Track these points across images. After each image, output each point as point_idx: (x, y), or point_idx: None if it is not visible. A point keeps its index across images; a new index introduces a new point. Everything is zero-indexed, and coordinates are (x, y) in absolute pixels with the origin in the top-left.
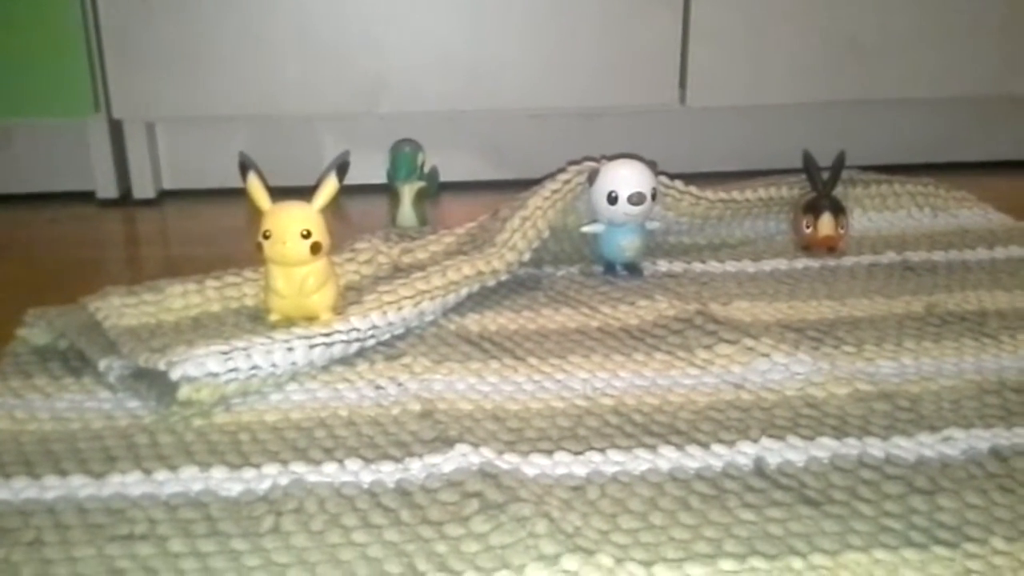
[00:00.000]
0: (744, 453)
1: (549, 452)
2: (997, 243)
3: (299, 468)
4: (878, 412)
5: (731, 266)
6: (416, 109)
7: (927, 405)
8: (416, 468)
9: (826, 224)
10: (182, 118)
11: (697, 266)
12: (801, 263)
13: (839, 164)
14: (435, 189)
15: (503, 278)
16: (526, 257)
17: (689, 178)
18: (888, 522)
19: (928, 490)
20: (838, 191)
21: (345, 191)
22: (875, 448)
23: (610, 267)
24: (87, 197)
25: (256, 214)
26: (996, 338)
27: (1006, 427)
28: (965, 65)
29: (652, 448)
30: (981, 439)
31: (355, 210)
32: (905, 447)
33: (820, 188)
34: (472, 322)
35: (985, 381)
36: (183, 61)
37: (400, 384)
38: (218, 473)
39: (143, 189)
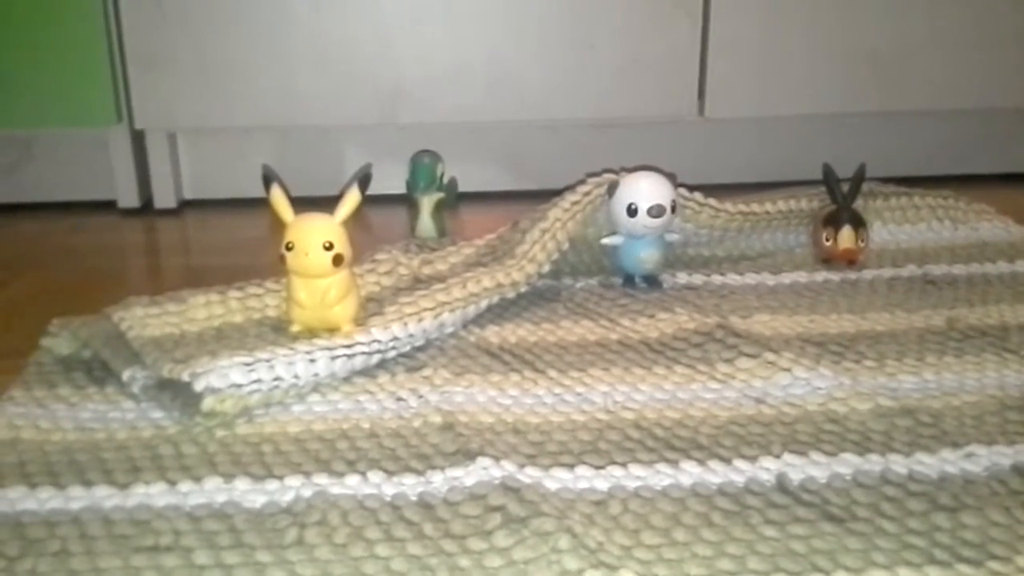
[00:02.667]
0: (766, 469)
1: (570, 466)
2: (1018, 256)
3: (322, 480)
4: (900, 428)
5: (751, 279)
6: (435, 120)
7: (949, 421)
8: (438, 481)
9: (846, 237)
10: (204, 128)
11: (717, 278)
12: (821, 276)
13: (859, 177)
14: (454, 200)
15: (523, 290)
16: (545, 269)
17: (708, 190)
18: (911, 539)
19: (951, 507)
20: (858, 204)
21: (366, 201)
22: (898, 464)
23: (630, 279)
24: (109, 206)
25: (278, 225)
26: (1018, 353)
27: None
28: (985, 76)
29: (674, 463)
30: (1004, 456)
31: (375, 220)
32: (928, 463)
33: (840, 201)
34: (492, 334)
35: (1007, 397)
36: (205, 72)
37: (421, 396)
38: (241, 484)
39: (165, 199)
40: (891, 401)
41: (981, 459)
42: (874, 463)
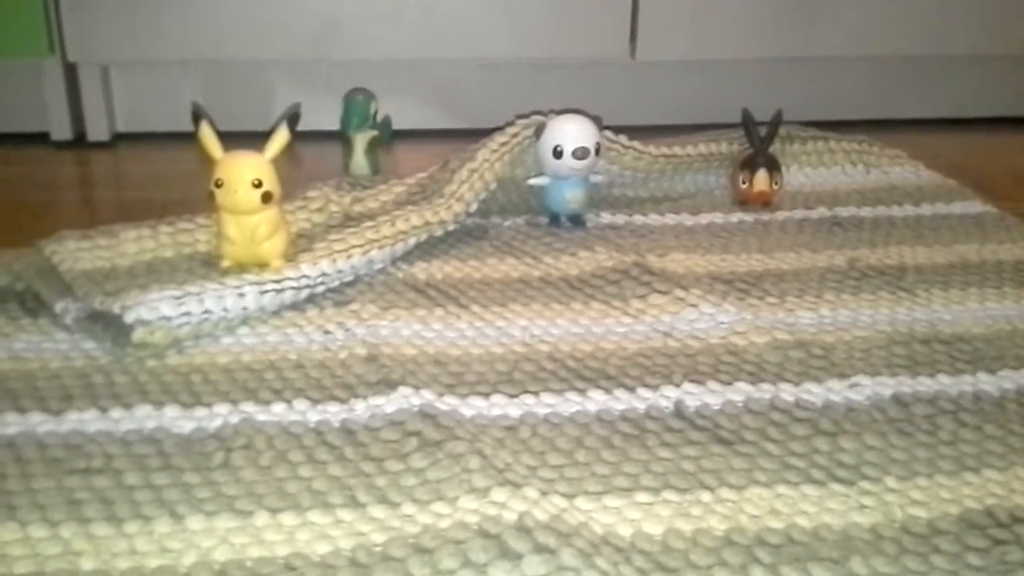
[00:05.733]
0: (666, 396)
1: (486, 395)
2: (924, 200)
3: (248, 407)
4: (793, 359)
5: (670, 219)
6: (369, 56)
7: (839, 354)
8: (360, 409)
9: (761, 180)
10: (136, 61)
11: (638, 219)
12: (736, 217)
13: (776, 121)
14: (388, 137)
15: (450, 228)
16: (473, 208)
17: (636, 131)
18: (792, 460)
19: (832, 432)
20: (775, 147)
21: (299, 137)
22: (786, 393)
23: (555, 218)
24: (41, 138)
25: (209, 160)
26: (911, 292)
27: (910, 376)
28: (903, 24)
29: (582, 392)
30: (886, 386)
31: (309, 157)
32: (815, 392)
33: (757, 145)
34: (420, 270)
35: (896, 332)
36: (137, 5)
37: (348, 329)
38: (171, 411)
39: (98, 131)
40: (787, 335)
41: (865, 389)
42: (765, 391)
